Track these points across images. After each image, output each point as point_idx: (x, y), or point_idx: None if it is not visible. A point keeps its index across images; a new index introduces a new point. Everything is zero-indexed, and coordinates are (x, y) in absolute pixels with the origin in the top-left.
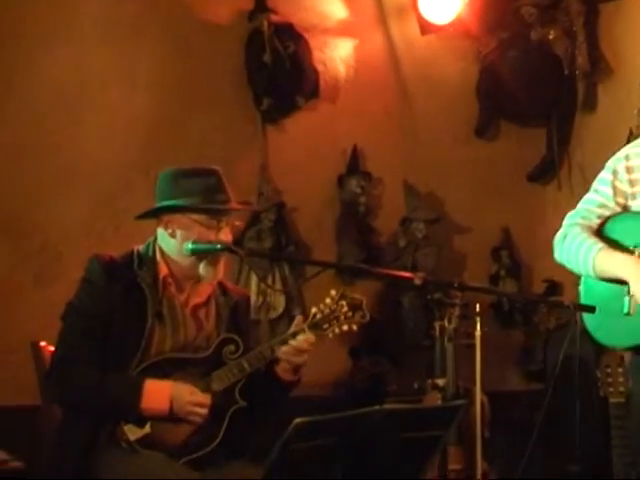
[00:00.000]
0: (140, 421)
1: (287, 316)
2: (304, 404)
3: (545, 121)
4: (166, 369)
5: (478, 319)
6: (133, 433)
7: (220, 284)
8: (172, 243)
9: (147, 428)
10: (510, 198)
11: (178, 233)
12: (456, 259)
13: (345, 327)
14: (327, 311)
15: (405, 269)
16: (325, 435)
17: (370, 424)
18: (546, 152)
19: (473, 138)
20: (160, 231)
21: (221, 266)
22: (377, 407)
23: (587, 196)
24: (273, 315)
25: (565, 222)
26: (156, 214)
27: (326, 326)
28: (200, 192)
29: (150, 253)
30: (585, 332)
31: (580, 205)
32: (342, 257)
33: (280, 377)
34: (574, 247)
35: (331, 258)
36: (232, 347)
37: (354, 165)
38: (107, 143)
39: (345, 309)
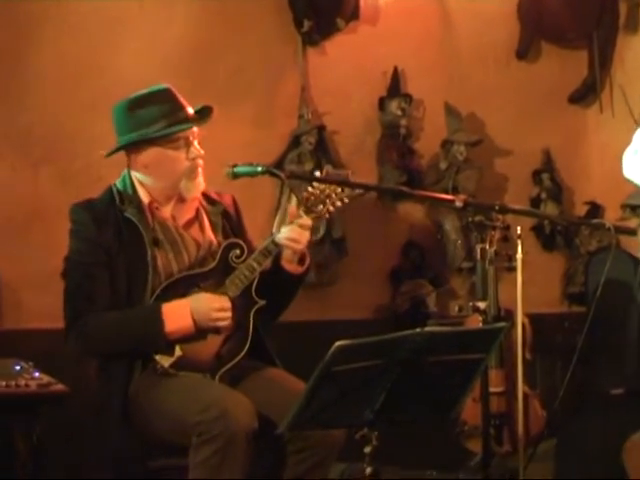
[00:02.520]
0: (170, 348)
1: (328, 239)
2: (345, 327)
3: (587, 42)
4: (179, 290)
5: (519, 242)
6: (166, 360)
7: (205, 195)
8: (146, 174)
9: (178, 351)
10: (551, 120)
11: (150, 164)
12: (497, 182)
13: (338, 203)
14: (317, 192)
15: (446, 192)
16: (366, 358)
17: (411, 347)
18: (587, 74)
19: (514, 60)
20: (132, 164)
21: (200, 179)
22: (418, 330)
23: None
24: (314, 238)
25: (636, 137)
26: (123, 150)
27: (320, 207)
28: (159, 117)
29: (128, 185)
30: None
31: None
32: (383, 180)
33: (288, 270)
34: None
35: (372, 181)
36: (237, 251)
37: (395, 87)
38: (146, 68)
39: (334, 186)
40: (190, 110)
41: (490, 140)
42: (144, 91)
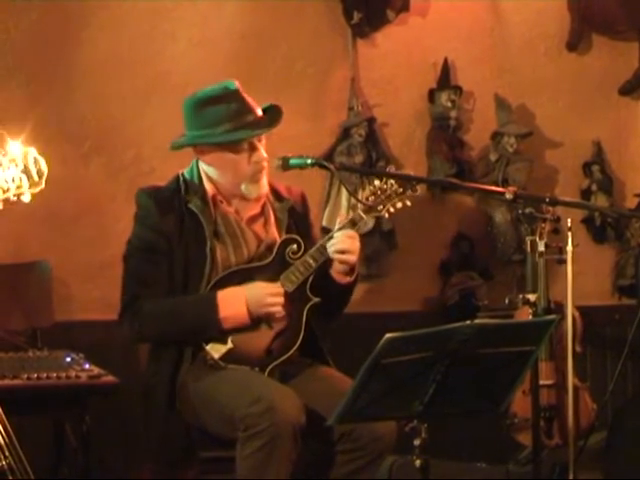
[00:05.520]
0: (222, 335)
1: (378, 232)
2: (395, 319)
3: (638, 34)
4: (234, 283)
5: (570, 234)
6: (217, 351)
7: (273, 190)
8: (211, 169)
9: (229, 344)
10: (602, 112)
11: (212, 163)
12: (547, 173)
13: (399, 204)
14: (378, 192)
15: (496, 184)
16: (416, 350)
17: (461, 339)
18: (638, 66)
19: (565, 51)
20: (199, 158)
21: (263, 181)
22: (468, 322)
23: None
24: (364, 230)
25: None
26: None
27: (380, 207)
28: (224, 119)
29: (195, 176)
30: None
31: None
32: (433, 172)
33: (336, 280)
34: None
35: (422, 173)
36: (294, 247)
37: (445, 79)
38: (196, 59)
39: (395, 187)
40: (259, 112)
41: (540, 132)
42: (214, 87)
